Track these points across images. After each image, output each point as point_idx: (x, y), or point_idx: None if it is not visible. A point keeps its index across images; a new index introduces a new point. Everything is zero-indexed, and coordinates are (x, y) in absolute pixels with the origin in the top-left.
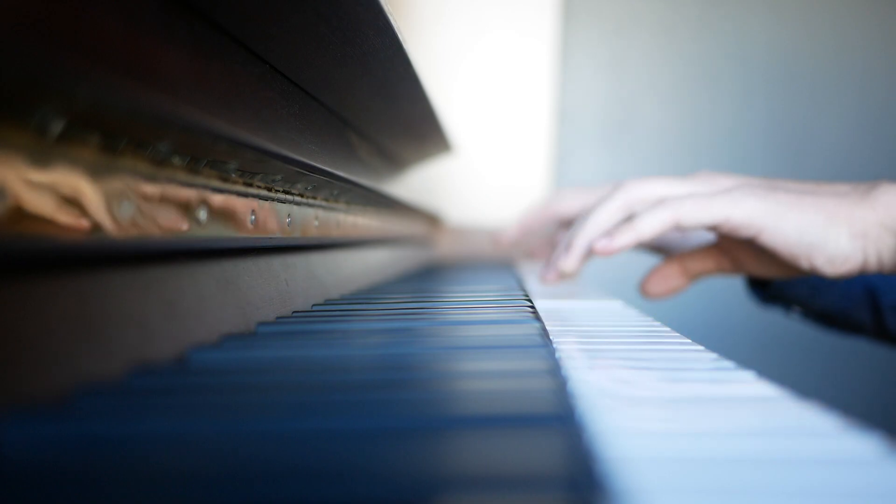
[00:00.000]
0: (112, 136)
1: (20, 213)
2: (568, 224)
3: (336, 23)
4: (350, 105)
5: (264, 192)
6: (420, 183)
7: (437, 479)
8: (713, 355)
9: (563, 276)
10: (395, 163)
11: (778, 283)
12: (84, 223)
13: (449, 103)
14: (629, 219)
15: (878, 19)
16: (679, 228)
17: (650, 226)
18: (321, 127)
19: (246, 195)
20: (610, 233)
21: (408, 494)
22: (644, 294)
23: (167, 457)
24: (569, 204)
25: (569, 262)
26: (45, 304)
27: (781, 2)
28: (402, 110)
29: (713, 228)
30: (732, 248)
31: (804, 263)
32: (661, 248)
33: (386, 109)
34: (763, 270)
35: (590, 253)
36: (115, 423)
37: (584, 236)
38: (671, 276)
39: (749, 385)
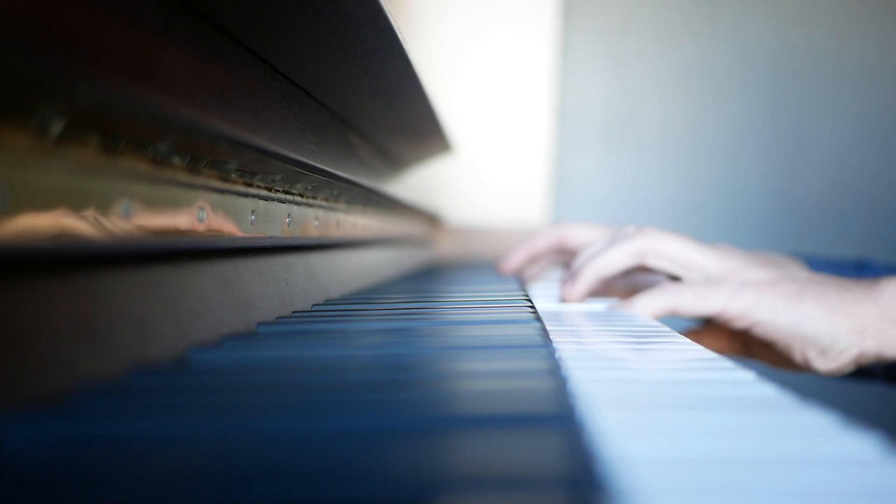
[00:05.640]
0: (112, 136)
1: (20, 213)
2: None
3: (336, 23)
4: (350, 105)
5: (264, 192)
6: (420, 183)
7: (437, 479)
8: (713, 355)
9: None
10: (395, 163)
11: None
12: (84, 223)
13: (449, 103)
14: (629, 298)
15: (876, 19)
16: (675, 315)
17: (647, 309)
18: (321, 127)
19: (246, 195)
20: (609, 306)
21: (408, 494)
22: None
23: (167, 457)
24: (579, 235)
25: (574, 292)
26: (45, 304)
27: (781, 2)
28: (402, 110)
29: (710, 318)
30: (741, 332)
31: (798, 356)
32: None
33: (386, 109)
34: (769, 358)
35: (597, 285)
36: (115, 423)
37: (594, 270)
38: None
39: (749, 385)
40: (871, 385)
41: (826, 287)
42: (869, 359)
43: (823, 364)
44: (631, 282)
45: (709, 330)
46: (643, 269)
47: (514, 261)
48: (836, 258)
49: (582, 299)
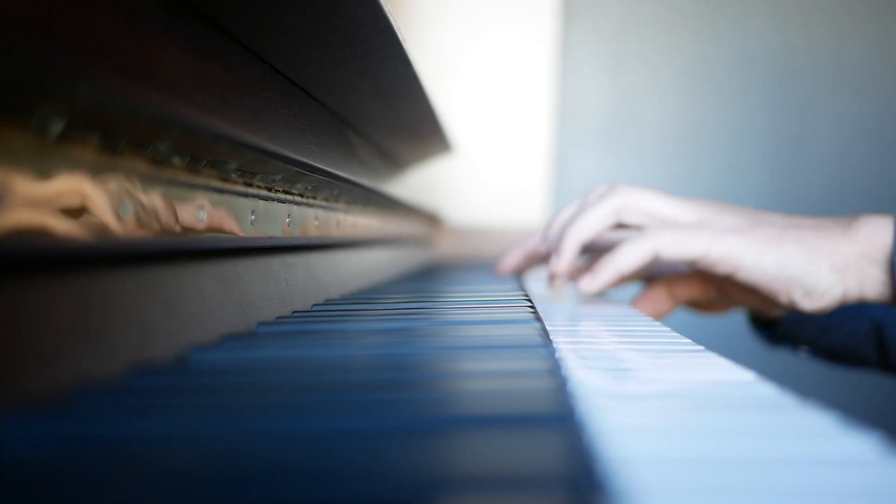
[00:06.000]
0: (112, 136)
1: (21, 214)
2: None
3: (336, 23)
4: (350, 105)
5: (264, 192)
6: (420, 183)
7: (437, 479)
8: (714, 355)
9: (558, 278)
10: (395, 163)
11: (786, 324)
12: (84, 223)
13: (449, 103)
14: (610, 252)
15: (876, 19)
16: (658, 259)
17: (631, 257)
18: (321, 127)
19: (246, 195)
20: (592, 269)
21: (408, 494)
22: None
23: (167, 457)
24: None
25: (560, 264)
26: (45, 304)
27: (781, 2)
28: (402, 110)
29: (692, 262)
30: (717, 277)
31: (783, 298)
32: (649, 277)
33: (386, 109)
34: (746, 301)
35: (582, 251)
36: (115, 423)
37: (575, 236)
38: (659, 300)
39: (749, 385)
40: (864, 372)
41: (804, 229)
42: (852, 298)
43: (809, 304)
44: (655, 268)
45: (681, 278)
46: (620, 226)
47: (509, 262)
48: None
49: (568, 268)
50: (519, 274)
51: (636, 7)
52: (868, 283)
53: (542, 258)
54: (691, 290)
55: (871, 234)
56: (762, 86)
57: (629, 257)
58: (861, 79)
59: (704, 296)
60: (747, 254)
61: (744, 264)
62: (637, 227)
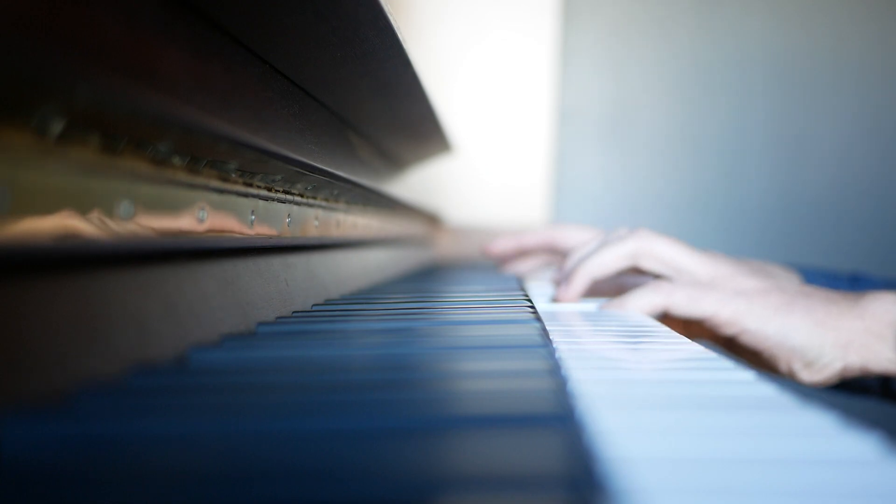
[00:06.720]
0: (112, 136)
1: (20, 214)
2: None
3: (336, 23)
4: (350, 105)
5: (264, 192)
6: (420, 183)
7: (437, 479)
8: (713, 355)
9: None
10: (395, 163)
11: None
12: (84, 223)
13: (449, 103)
14: (621, 295)
15: (875, 20)
16: (666, 314)
17: (640, 305)
18: (321, 127)
19: (246, 195)
20: (602, 304)
21: (408, 494)
22: None
23: (167, 457)
24: (572, 237)
25: (569, 293)
26: (45, 304)
27: (780, 3)
28: (402, 110)
29: (699, 321)
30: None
31: (783, 366)
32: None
33: (386, 109)
34: (749, 361)
35: (590, 285)
36: (115, 423)
37: (588, 271)
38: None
39: (749, 385)
40: (866, 400)
41: (814, 300)
42: (854, 372)
43: (808, 376)
44: (619, 282)
45: (698, 323)
46: (634, 271)
47: (501, 245)
48: (830, 270)
49: (576, 300)
50: (502, 261)
51: (636, 7)
52: (873, 359)
53: (534, 255)
54: (703, 335)
55: (879, 312)
56: (762, 86)
57: (637, 306)
58: (861, 79)
59: (713, 342)
60: (752, 320)
61: (748, 328)
62: (652, 274)
